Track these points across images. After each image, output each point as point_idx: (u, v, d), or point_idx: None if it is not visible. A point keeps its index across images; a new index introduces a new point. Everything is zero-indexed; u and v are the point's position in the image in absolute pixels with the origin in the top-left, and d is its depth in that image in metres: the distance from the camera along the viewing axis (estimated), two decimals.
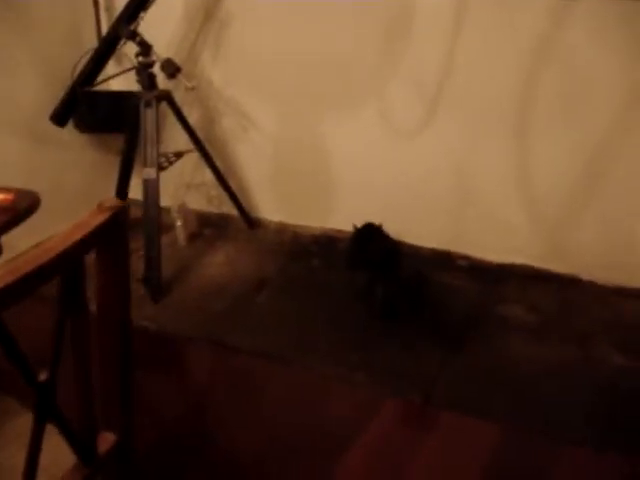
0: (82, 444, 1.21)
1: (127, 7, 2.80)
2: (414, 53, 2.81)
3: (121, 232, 1.12)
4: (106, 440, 1.30)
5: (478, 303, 2.77)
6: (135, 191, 3.07)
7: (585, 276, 2.84)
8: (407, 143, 2.99)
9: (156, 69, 2.86)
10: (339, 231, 3.19)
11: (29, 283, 0.93)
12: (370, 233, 2.77)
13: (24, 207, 1.55)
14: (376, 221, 2.77)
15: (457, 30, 2.69)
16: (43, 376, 1.04)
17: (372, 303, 2.66)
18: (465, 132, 2.84)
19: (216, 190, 3.40)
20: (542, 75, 2.62)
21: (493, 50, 2.67)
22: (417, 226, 3.08)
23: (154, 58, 2.83)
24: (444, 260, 3.05)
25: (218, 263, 3.15)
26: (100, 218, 1.05)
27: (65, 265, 1.02)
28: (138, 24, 2.78)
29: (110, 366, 1.24)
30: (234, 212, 3.38)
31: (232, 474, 2.05)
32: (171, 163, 3.04)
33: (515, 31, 2.61)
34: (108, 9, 3.27)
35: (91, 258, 1.10)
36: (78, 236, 1.01)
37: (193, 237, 3.37)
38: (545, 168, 2.77)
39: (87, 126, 3.22)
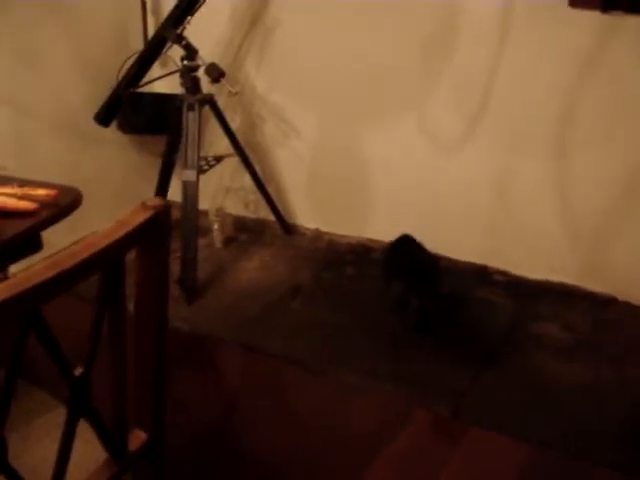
0: (113, 441, 1.22)
1: (174, 10, 2.84)
2: (457, 67, 2.81)
3: (163, 231, 1.12)
4: (137, 438, 1.31)
5: (513, 319, 2.75)
6: (174, 193, 3.10)
7: (621, 296, 2.80)
8: (446, 156, 2.98)
9: (200, 73, 2.89)
10: (375, 241, 3.19)
11: (69, 278, 0.94)
12: (406, 244, 2.77)
13: (66, 203, 1.57)
14: (413, 232, 2.77)
15: (501, 45, 2.68)
16: (78, 371, 1.05)
17: (406, 315, 2.64)
18: (505, 147, 2.83)
19: (254, 195, 3.42)
20: (585, 93, 2.60)
21: (536, 66, 2.65)
22: (454, 239, 3.06)
23: (199, 62, 2.85)
24: (480, 274, 3.03)
25: (253, 268, 3.16)
26: (143, 216, 1.06)
27: (106, 261, 1.03)
28: (185, 28, 2.81)
29: (145, 365, 1.25)
30: (271, 218, 3.40)
31: (259, 476, 2.05)
32: (211, 166, 3.06)
33: (560, 48, 2.59)
34: (155, 12, 3.31)
35: (131, 256, 1.11)
36: (120, 233, 1.01)
37: (229, 241, 3.39)
38: (584, 186, 2.74)
39: (130, 127, 3.25)
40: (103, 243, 0.98)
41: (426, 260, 2.74)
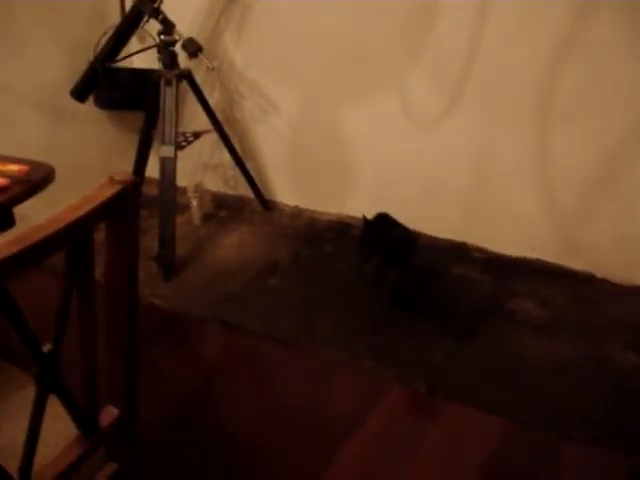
0: (85, 417, 1.21)
1: None
2: (437, 44, 2.80)
3: (131, 206, 1.11)
4: (109, 414, 1.31)
5: (490, 296, 2.76)
6: (153, 169, 3.08)
7: (599, 273, 2.82)
8: (426, 134, 2.97)
9: (178, 48, 2.86)
10: (354, 218, 3.18)
11: (36, 253, 0.93)
12: (383, 222, 2.76)
13: (39, 179, 1.56)
14: (392, 209, 2.76)
15: (480, 24, 2.67)
16: (47, 347, 1.04)
17: (382, 291, 2.65)
18: (484, 125, 2.82)
19: (233, 171, 3.41)
20: (564, 70, 2.60)
21: (516, 44, 2.65)
22: (433, 217, 3.07)
23: (176, 37, 2.83)
24: (459, 252, 3.04)
25: (232, 245, 3.15)
26: (110, 191, 1.05)
27: (73, 237, 1.02)
28: (161, 2, 2.78)
29: (116, 340, 1.24)
30: (250, 194, 3.39)
31: (235, 453, 2.06)
32: (189, 143, 3.04)
33: (539, 25, 2.58)
34: None
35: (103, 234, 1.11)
36: (87, 208, 1.00)
37: (208, 217, 3.38)
38: (563, 164, 2.74)
39: (107, 103, 3.23)
40: (69, 218, 0.97)
41: (403, 237, 2.73)
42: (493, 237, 3.00)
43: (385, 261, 2.64)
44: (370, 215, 2.78)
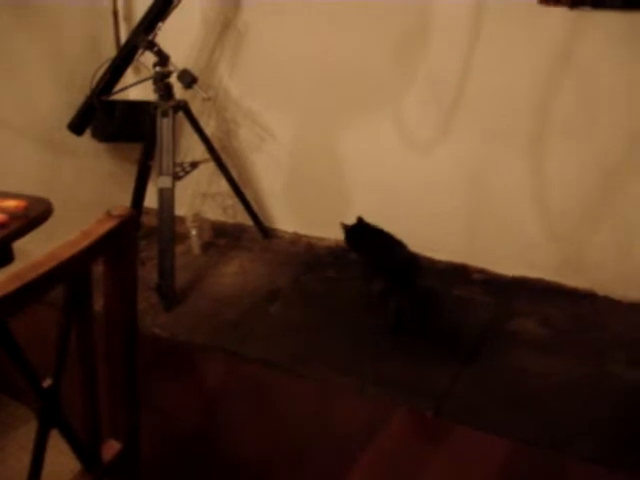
0: (86, 451, 1.21)
1: (145, 17, 2.82)
2: (431, 64, 2.81)
3: (129, 240, 1.12)
4: (111, 448, 1.31)
5: (492, 317, 2.76)
6: (151, 200, 3.09)
7: (600, 291, 2.82)
8: (423, 155, 2.99)
9: (173, 79, 2.88)
10: None
11: (34, 290, 0.94)
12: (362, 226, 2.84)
13: (37, 214, 1.56)
14: (392, 232, 2.77)
15: (474, 43, 2.69)
16: (47, 383, 1.05)
17: (384, 315, 2.65)
18: (481, 144, 2.84)
19: (231, 200, 3.42)
20: (559, 89, 2.61)
21: (510, 62, 2.67)
22: (433, 238, 3.07)
23: (171, 68, 2.84)
24: (459, 273, 3.04)
25: (232, 273, 3.16)
26: (108, 225, 1.06)
27: (71, 272, 1.02)
28: (156, 34, 2.80)
29: (116, 374, 1.25)
30: (249, 222, 3.39)
31: None
32: (187, 172, 3.05)
33: (532, 44, 2.60)
34: (127, 19, 3.30)
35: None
36: (84, 243, 1.01)
37: (207, 246, 3.38)
38: (561, 182, 2.75)
39: (104, 135, 3.24)
40: (67, 254, 0.97)
41: (409, 257, 2.74)
42: (493, 257, 3.01)
43: (390, 284, 2.63)
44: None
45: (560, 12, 2.49)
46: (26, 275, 0.92)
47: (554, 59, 2.59)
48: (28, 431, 1.39)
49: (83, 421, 1.20)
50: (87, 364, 1.15)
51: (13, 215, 1.53)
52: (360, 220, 2.86)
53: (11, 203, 1.56)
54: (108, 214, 1.07)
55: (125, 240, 1.10)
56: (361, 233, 2.84)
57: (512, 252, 2.96)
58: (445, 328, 2.67)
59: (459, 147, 2.88)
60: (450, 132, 2.88)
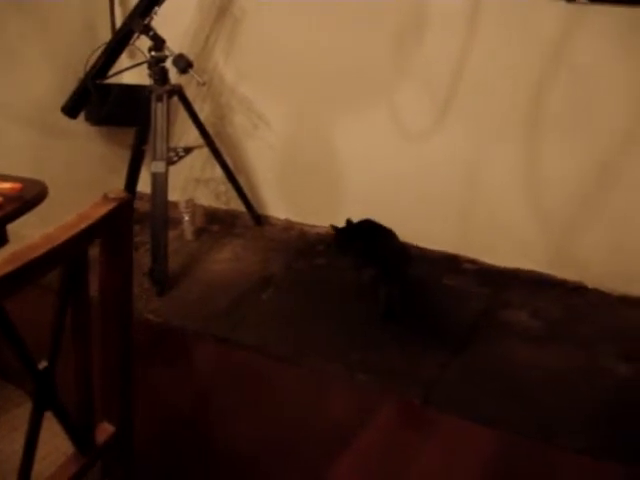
0: (80, 434, 1.21)
1: (141, 1, 2.81)
2: (426, 57, 2.81)
3: (125, 224, 1.12)
4: (104, 431, 1.31)
5: (483, 307, 2.77)
6: (144, 185, 3.08)
7: (591, 283, 2.83)
8: (416, 146, 2.99)
9: (168, 64, 2.87)
10: None
11: (30, 272, 0.94)
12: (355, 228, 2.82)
13: (31, 197, 1.57)
14: (383, 222, 2.77)
15: (468, 36, 2.69)
16: (42, 365, 1.05)
17: (376, 303, 2.66)
18: (474, 137, 2.84)
19: (225, 186, 3.42)
20: (552, 82, 2.62)
21: (504, 56, 2.67)
22: (425, 229, 3.08)
23: (167, 53, 2.84)
24: (452, 263, 3.05)
25: (224, 259, 3.16)
26: (104, 209, 1.06)
27: (67, 255, 1.02)
28: (152, 18, 2.79)
29: (110, 357, 1.25)
30: (242, 209, 3.39)
31: (230, 468, 2.06)
32: (180, 158, 3.05)
33: (526, 38, 2.60)
34: (123, 3, 3.28)
35: (97, 250, 1.11)
36: (81, 226, 1.01)
37: (200, 232, 3.38)
38: (554, 175, 2.76)
39: (98, 119, 3.22)
40: (63, 236, 0.97)
41: (399, 247, 2.75)
42: (485, 248, 3.01)
43: (381, 272, 2.64)
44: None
45: (556, 6, 2.49)
46: (22, 257, 0.92)
47: (550, 53, 2.59)
48: (20, 414, 1.39)
49: (77, 404, 1.20)
50: (82, 347, 1.15)
51: (8, 197, 1.53)
52: (349, 222, 2.85)
53: (6, 185, 1.56)
54: (105, 197, 1.07)
55: (122, 224, 1.10)
56: (350, 235, 2.84)
57: (504, 243, 2.97)
58: (436, 317, 2.69)
59: (453, 138, 2.88)
60: (445, 122, 2.88)
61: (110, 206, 1.06)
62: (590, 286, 2.84)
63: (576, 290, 2.84)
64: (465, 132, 2.85)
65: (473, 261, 3.03)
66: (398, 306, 2.64)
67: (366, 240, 2.77)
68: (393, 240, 2.76)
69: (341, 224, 2.84)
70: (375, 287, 2.66)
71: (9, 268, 0.90)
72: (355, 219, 2.82)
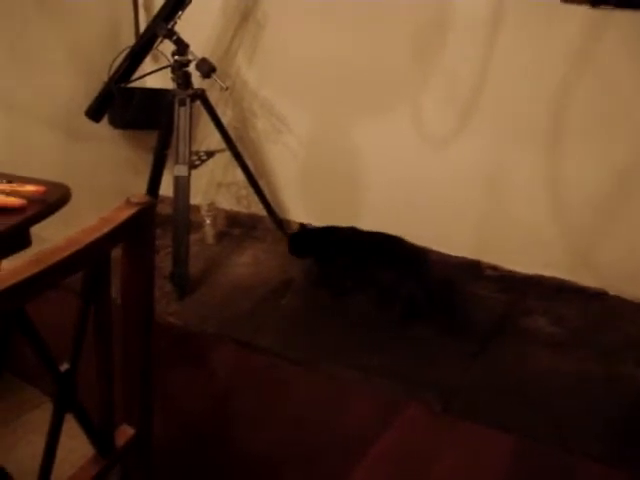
0: (100, 436, 1.22)
1: (165, 5, 2.83)
2: (448, 62, 2.81)
3: (148, 228, 1.12)
4: (125, 433, 1.31)
5: (504, 313, 2.76)
6: (166, 188, 3.10)
7: (612, 290, 2.82)
8: (438, 151, 2.98)
9: (191, 68, 2.88)
10: None
11: (53, 275, 0.94)
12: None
13: (55, 199, 1.58)
14: (404, 227, 2.78)
15: (490, 41, 2.68)
16: (64, 367, 1.05)
17: (395, 306, 2.66)
18: (496, 142, 2.83)
19: (246, 190, 3.42)
20: (576, 88, 2.60)
21: (526, 61, 2.66)
22: (446, 234, 3.07)
23: (190, 57, 2.85)
24: (472, 269, 3.04)
25: (245, 263, 3.17)
26: (127, 213, 1.06)
27: (90, 258, 1.03)
28: (175, 23, 2.80)
29: (131, 360, 1.25)
30: (263, 213, 3.40)
31: (249, 472, 2.06)
32: (203, 161, 3.06)
33: (550, 43, 2.59)
34: (147, 7, 3.30)
35: (119, 253, 1.12)
36: (105, 230, 1.02)
37: (221, 236, 3.39)
38: (576, 181, 2.75)
39: (121, 122, 3.24)
40: (87, 240, 0.98)
41: (415, 251, 2.75)
42: (506, 254, 3.00)
43: (399, 276, 2.64)
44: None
45: (581, 11, 2.48)
46: (46, 260, 0.93)
47: (573, 58, 2.58)
48: (39, 415, 1.41)
49: (98, 406, 1.20)
50: (103, 349, 1.15)
51: (32, 200, 1.54)
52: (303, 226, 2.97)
53: (30, 188, 1.57)
54: (128, 201, 1.08)
55: (144, 228, 1.11)
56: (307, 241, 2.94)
57: (526, 250, 2.95)
58: (456, 323, 2.68)
59: (475, 144, 2.87)
60: (466, 129, 2.88)
61: (133, 210, 1.06)
62: (611, 293, 2.82)
63: (597, 296, 2.82)
64: (487, 138, 2.84)
65: (494, 267, 3.02)
66: (420, 305, 2.63)
67: (323, 246, 2.81)
68: (404, 243, 2.76)
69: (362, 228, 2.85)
70: (395, 290, 2.65)
71: (33, 270, 0.91)
72: (376, 223, 2.83)
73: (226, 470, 2.06)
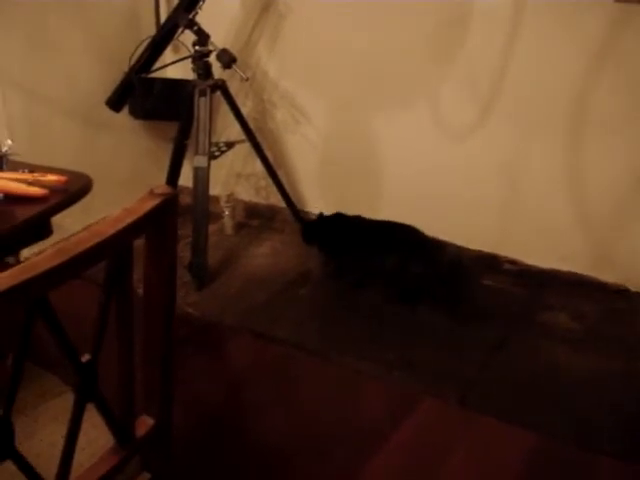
0: (120, 426, 1.22)
1: None
2: (469, 55, 2.79)
3: (170, 219, 1.13)
4: (144, 424, 1.32)
5: (522, 308, 2.74)
6: (186, 179, 3.10)
7: (633, 286, 2.79)
8: (458, 144, 2.97)
9: (212, 58, 2.88)
10: None
11: (77, 265, 0.94)
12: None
13: (76, 189, 1.59)
14: (422, 220, 2.76)
15: (511, 34, 2.66)
16: (85, 358, 1.06)
17: (415, 300, 2.67)
18: (516, 135, 2.81)
19: (265, 181, 3.43)
20: (598, 81, 2.58)
21: (548, 55, 2.64)
22: (464, 227, 3.06)
23: (211, 47, 2.85)
24: (490, 263, 3.03)
25: (263, 254, 3.17)
26: (151, 204, 1.06)
27: (113, 249, 1.03)
28: (197, 13, 2.81)
29: (152, 351, 1.26)
30: (282, 204, 3.39)
31: (265, 463, 2.06)
32: (222, 152, 3.06)
33: (572, 37, 2.57)
34: None
35: (140, 243, 1.12)
36: (128, 221, 1.02)
37: (240, 227, 3.40)
38: (596, 176, 2.73)
39: (142, 112, 3.25)
40: (110, 231, 0.98)
41: (428, 240, 2.76)
42: (525, 248, 2.99)
43: (405, 260, 2.65)
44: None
45: (603, 5, 2.45)
46: (69, 250, 0.93)
47: (595, 53, 2.55)
48: (60, 404, 1.42)
49: (118, 396, 1.21)
50: (125, 340, 1.16)
51: (53, 189, 1.55)
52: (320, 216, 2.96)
53: (52, 177, 1.58)
54: (151, 192, 1.08)
55: (167, 219, 1.11)
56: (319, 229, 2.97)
57: (545, 244, 2.94)
58: (475, 317, 2.67)
59: (494, 136, 2.86)
60: (486, 122, 2.86)
61: (156, 201, 1.06)
62: (632, 289, 2.80)
63: (619, 293, 2.80)
64: (507, 130, 2.82)
65: (513, 261, 3.01)
66: (431, 284, 2.64)
67: (335, 234, 2.87)
68: (418, 233, 2.76)
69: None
70: (401, 273, 2.66)
71: (57, 261, 0.91)
72: (394, 215, 2.82)
73: (242, 459, 2.07)
